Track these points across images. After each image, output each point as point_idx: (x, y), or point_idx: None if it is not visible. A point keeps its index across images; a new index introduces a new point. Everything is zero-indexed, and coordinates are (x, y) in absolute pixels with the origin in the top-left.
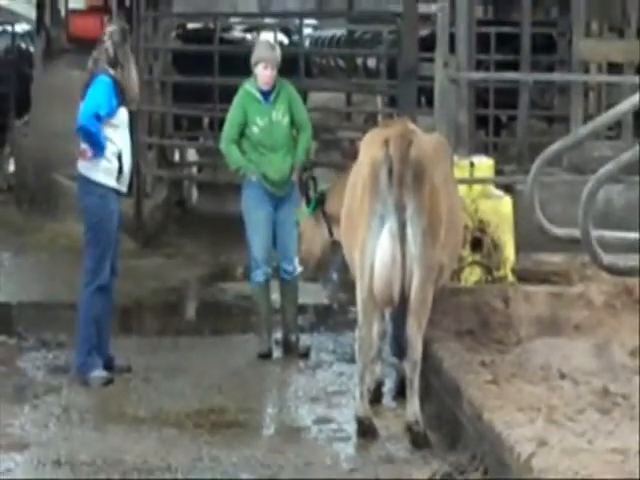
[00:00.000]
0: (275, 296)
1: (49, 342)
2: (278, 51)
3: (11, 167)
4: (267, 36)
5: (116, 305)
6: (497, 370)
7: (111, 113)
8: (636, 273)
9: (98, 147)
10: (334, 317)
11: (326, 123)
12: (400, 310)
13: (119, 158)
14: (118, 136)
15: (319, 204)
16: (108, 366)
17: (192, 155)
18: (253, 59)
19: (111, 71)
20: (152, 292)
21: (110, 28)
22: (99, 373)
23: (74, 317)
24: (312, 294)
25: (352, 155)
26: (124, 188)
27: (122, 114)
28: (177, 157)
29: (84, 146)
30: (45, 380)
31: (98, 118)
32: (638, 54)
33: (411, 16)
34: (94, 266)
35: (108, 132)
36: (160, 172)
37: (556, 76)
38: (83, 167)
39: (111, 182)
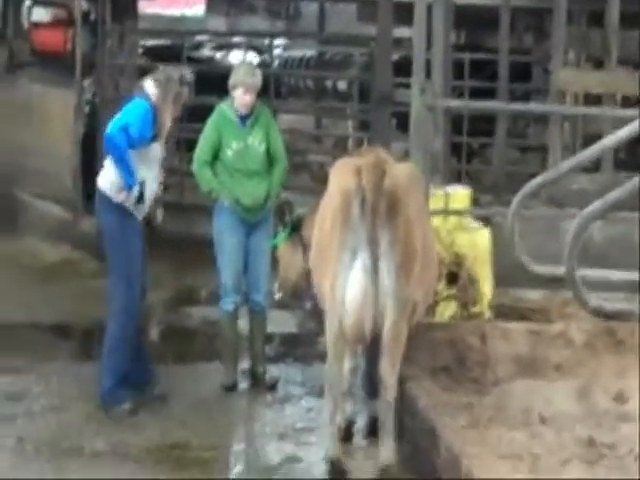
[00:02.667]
0: (243, 323)
1: (3, 367)
2: (259, 76)
3: None
4: (238, 55)
5: (75, 329)
6: (475, 413)
7: (143, 141)
8: (623, 317)
9: (122, 166)
10: (303, 347)
11: (295, 146)
12: (373, 347)
13: (141, 186)
14: (145, 168)
15: (296, 229)
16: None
17: None
18: (232, 82)
19: (153, 97)
20: None
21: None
22: (125, 404)
23: (31, 340)
24: (281, 322)
25: (321, 179)
26: (140, 216)
27: (155, 149)
28: None
29: (120, 182)
30: None
31: (127, 134)
32: (617, 85)
33: (386, 40)
34: (124, 288)
35: (136, 160)
36: None
37: (536, 107)
38: (104, 186)
39: (129, 206)
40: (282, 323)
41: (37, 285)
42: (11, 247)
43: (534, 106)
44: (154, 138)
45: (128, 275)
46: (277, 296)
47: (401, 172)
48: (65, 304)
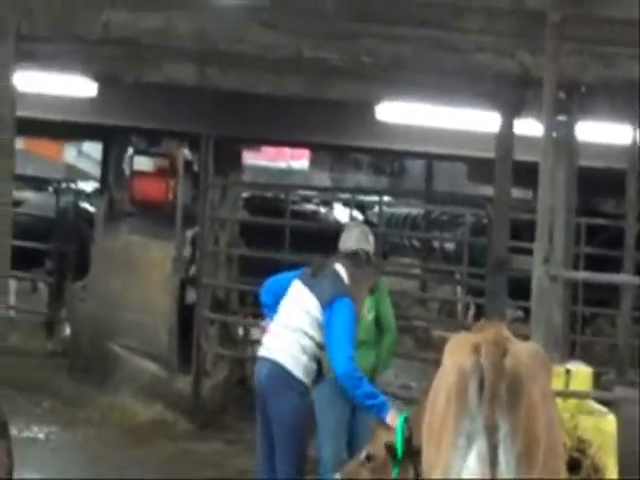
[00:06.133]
0: None
1: None
2: (372, 240)
3: (67, 331)
4: (343, 211)
5: None
6: None
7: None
8: None
9: (373, 398)
10: None
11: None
12: None
13: (319, 362)
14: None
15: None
16: None
17: (257, 333)
18: (343, 246)
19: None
20: None
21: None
22: None
23: None
24: None
25: (427, 344)
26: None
27: None
28: (241, 334)
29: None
30: None
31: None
32: None
33: (503, 202)
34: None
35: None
36: (222, 350)
37: None
38: (284, 359)
39: (308, 382)
40: None
41: (128, 445)
42: (103, 403)
43: None
44: None
45: (298, 465)
46: None
47: (525, 351)
48: (156, 467)
